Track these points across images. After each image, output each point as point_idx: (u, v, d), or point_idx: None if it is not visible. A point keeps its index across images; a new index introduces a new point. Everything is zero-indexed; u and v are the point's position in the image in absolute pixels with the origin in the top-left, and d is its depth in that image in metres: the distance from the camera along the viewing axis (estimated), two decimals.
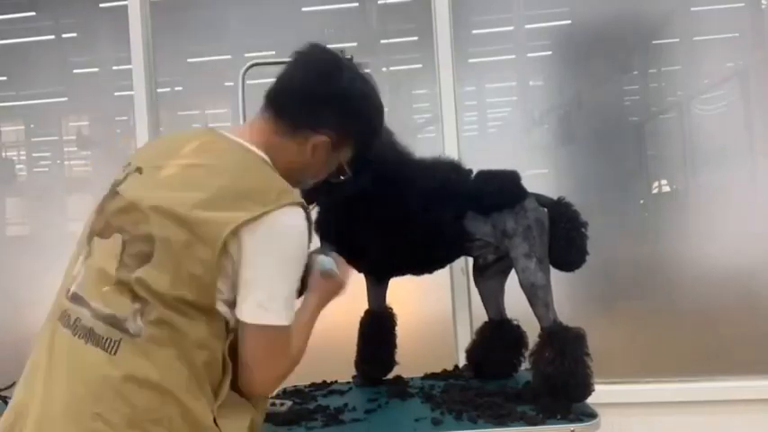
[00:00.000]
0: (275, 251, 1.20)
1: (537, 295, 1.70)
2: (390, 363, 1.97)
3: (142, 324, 1.17)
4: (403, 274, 1.90)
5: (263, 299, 1.20)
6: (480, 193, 1.79)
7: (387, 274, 1.92)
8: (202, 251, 1.16)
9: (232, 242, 1.17)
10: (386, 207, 1.73)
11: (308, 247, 1.27)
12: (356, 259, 1.77)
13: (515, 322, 1.95)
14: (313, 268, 1.45)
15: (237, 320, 1.22)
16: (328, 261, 1.47)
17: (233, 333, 1.23)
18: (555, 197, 1.82)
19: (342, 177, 1.44)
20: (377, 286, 1.94)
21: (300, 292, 1.50)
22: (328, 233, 1.78)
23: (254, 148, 1.30)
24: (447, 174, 1.83)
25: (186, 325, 1.18)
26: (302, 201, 1.26)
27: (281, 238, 1.21)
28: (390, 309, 1.97)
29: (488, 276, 1.92)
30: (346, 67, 1.38)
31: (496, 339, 1.94)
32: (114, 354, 1.17)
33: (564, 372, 1.58)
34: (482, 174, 1.84)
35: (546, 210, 1.77)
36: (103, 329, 1.18)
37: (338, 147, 1.36)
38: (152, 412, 1.15)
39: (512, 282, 1.86)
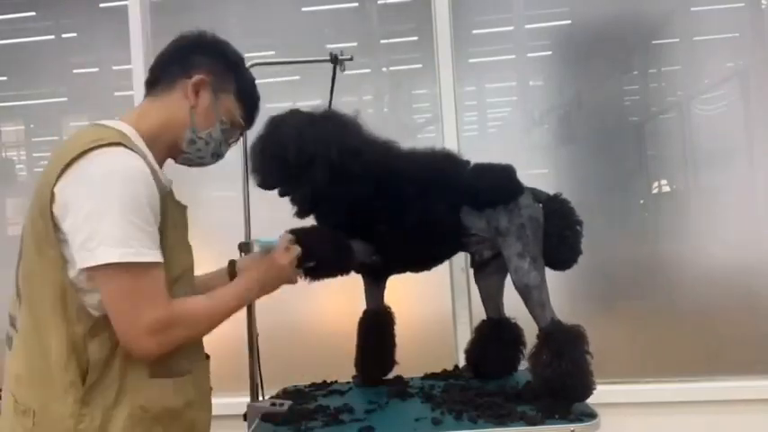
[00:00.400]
0: (90, 189, 1.15)
1: (531, 296, 1.67)
2: (390, 363, 1.96)
3: (19, 318, 1.26)
4: (400, 271, 1.88)
5: (83, 240, 1.14)
6: (475, 188, 1.75)
7: (384, 272, 1.90)
8: (41, 222, 1.19)
9: (55, 202, 1.17)
10: (379, 199, 1.68)
11: (151, 188, 1.20)
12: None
13: (513, 320, 1.93)
14: (252, 249, 1.43)
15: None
16: (267, 239, 1.43)
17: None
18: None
19: (240, 133, 1.46)
20: (374, 285, 1.93)
21: (231, 276, 1.56)
22: None
23: (110, 123, 1.29)
24: (442, 164, 1.79)
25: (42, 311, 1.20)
26: (127, 144, 1.22)
27: (96, 175, 1.16)
28: (389, 308, 1.96)
29: (487, 274, 1.90)
30: (201, 31, 1.42)
31: (494, 339, 1.92)
32: (10, 349, 1.29)
33: (562, 373, 1.56)
34: (477, 168, 1.80)
35: (541, 206, 1.74)
36: (8, 329, 1.30)
37: (219, 90, 1.38)
38: (21, 404, 1.22)
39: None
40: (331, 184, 1.63)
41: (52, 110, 2.92)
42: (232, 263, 1.67)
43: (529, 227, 1.69)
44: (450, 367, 2.10)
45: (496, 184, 1.75)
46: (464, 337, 2.41)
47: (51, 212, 1.17)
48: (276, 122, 1.71)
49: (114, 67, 2.81)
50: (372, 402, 1.74)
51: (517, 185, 1.76)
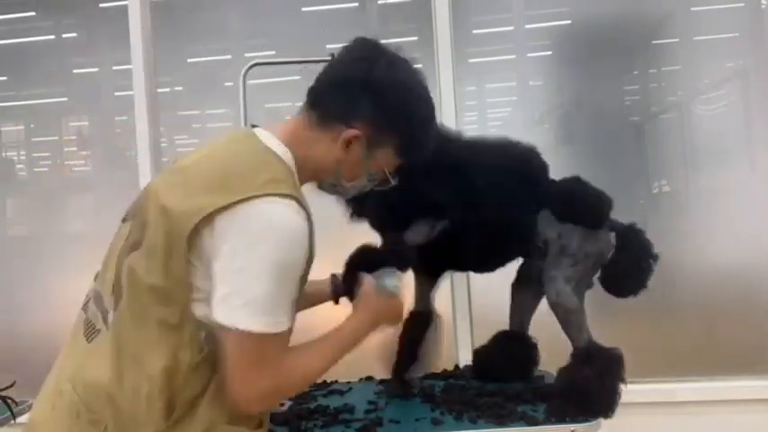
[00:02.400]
0: (249, 243, 1.06)
1: (570, 319, 1.61)
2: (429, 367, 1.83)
3: (112, 316, 1.16)
4: (461, 269, 1.77)
5: (227, 294, 1.07)
6: (565, 201, 1.64)
7: (442, 267, 1.77)
8: (178, 242, 1.08)
9: (206, 232, 1.08)
10: (446, 188, 1.55)
11: (306, 250, 1.14)
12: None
13: (534, 340, 1.84)
14: (376, 285, 1.34)
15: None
16: (392, 278, 1.34)
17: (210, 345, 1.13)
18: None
19: (387, 186, 1.29)
20: (426, 283, 1.78)
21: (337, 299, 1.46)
22: (377, 219, 1.62)
23: (268, 141, 1.19)
24: (521, 155, 1.67)
25: (150, 323, 1.11)
26: (298, 196, 1.13)
27: (259, 230, 1.07)
28: (434, 310, 1.83)
29: (528, 289, 1.79)
30: (388, 54, 1.22)
31: (508, 349, 1.83)
32: (89, 341, 1.19)
33: (597, 386, 1.53)
34: (574, 180, 1.70)
35: (613, 243, 1.65)
36: (91, 316, 1.20)
37: (375, 145, 1.22)
38: (91, 413, 1.12)
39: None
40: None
41: (52, 110, 2.92)
42: (335, 277, 1.60)
43: (593, 260, 1.63)
44: (450, 367, 2.10)
45: (592, 208, 1.64)
46: (464, 337, 2.41)
47: (194, 237, 1.09)
48: None
49: (114, 67, 2.81)
50: (372, 402, 1.74)
51: (606, 218, 1.65)
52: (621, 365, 1.59)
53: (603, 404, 1.54)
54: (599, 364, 1.57)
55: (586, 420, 1.49)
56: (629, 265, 1.63)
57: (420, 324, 1.78)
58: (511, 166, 1.63)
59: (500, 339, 1.88)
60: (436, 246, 1.62)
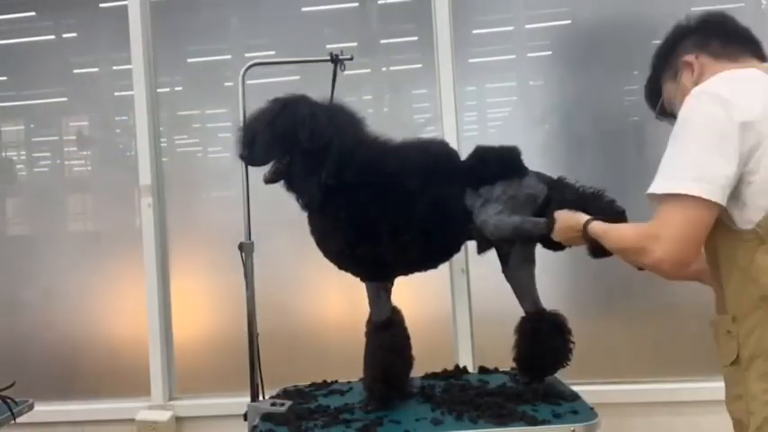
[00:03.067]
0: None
1: (516, 234, 1.68)
2: (407, 380, 1.81)
3: None
4: (410, 271, 1.80)
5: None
6: (478, 166, 1.72)
7: (391, 273, 1.80)
8: None
9: None
10: (381, 196, 1.64)
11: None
12: (355, 264, 1.74)
13: (554, 312, 1.83)
14: None
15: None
16: None
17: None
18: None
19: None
20: (383, 289, 1.81)
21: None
22: (321, 241, 1.72)
23: None
24: (438, 149, 1.77)
25: None
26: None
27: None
28: (400, 314, 1.83)
29: (514, 267, 1.82)
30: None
31: (537, 333, 1.81)
32: None
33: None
34: (481, 147, 1.79)
35: (544, 187, 1.72)
36: None
37: None
38: None
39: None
40: (341, 175, 1.59)
41: (52, 110, 2.92)
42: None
43: (522, 199, 1.68)
44: (450, 367, 2.10)
45: (502, 160, 1.73)
46: (464, 337, 2.41)
47: None
48: (285, 102, 1.67)
49: (114, 67, 2.81)
50: None
51: (523, 165, 1.75)
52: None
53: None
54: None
55: (585, 420, 1.49)
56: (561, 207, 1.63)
57: (391, 338, 1.78)
58: (431, 163, 1.71)
59: (524, 327, 1.84)
60: (385, 252, 1.67)
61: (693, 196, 1.15)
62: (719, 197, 1.15)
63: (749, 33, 1.37)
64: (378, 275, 1.78)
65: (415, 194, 1.66)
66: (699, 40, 1.38)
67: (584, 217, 1.49)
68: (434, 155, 1.75)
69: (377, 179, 1.65)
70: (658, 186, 1.20)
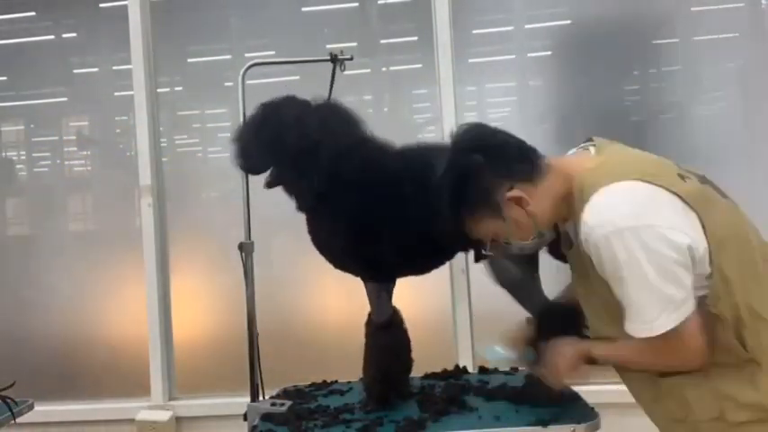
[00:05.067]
0: None
1: (516, 296, 1.65)
2: (406, 380, 1.80)
3: None
4: (405, 273, 1.76)
5: None
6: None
7: (391, 274, 1.77)
8: None
9: None
10: (378, 197, 1.60)
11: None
12: (355, 264, 1.71)
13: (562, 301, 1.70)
14: None
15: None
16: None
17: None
18: None
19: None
20: (383, 290, 1.77)
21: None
22: (320, 242, 1.69)
23: None
24: (430, 153, 1.64)
25: None
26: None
27: None
28: (398, 315, 1.80)
29: (520, 270, 1.71)
30: None
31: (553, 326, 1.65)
32: None
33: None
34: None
35: None
36: None
37: None
38: None
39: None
40: (334, 176, 1.56)
41: (52, 110, 2.92)
42: None
43: None
44: (450, 367, 2.10)
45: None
46: (464, 337, 2.41)
47: None
48: (272, 107, 1.64)
49: (114, 67, 2.81)
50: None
51: None
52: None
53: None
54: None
55: (585, 420, 1.49)
56: None
57: (391, 339, 1.77)
58: (426, 168, 1.57)
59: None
60: (384, 253, 1.63)
61: (685, 317, 1.19)
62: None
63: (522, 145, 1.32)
64: (377, 276, 1.77)
65: (410, 198, 1.60)
66: (502, 171, 1.28)
67: (581, 347, 1.41)
68: (429, 160, 1.62)
69: (374, 180, 1.61)
70: (647, 332, 1.20)
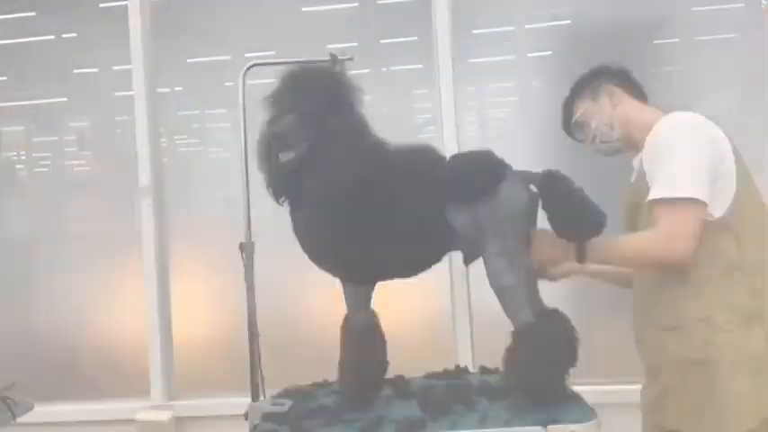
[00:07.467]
0: None
1: (505, 298, 1.58)
2: (381, 383, 1.79)
3: None
4: (389, 277, 1.71)
5: None
6: (454, 180, 1.59)
7: (372, 277, 1.73)
8: None
9: None
10: (364, 199, 1.55)
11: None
12: (335, 265, 1.67)
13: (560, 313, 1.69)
14: None
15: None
16: None
17: None
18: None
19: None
20: (359, 295, 1.75)
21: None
22: (306, 241, 1.65)
23: None
24: (420, 159, 1.65)
25: None
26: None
27: None
28: (376, 318, 1.77)
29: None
30: None
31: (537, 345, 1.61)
32: None
33: (534, 375, 1.53)
34: (454, 158, 1.68)
35: (525, 195, 1.60)
36: None
37: None
38: None
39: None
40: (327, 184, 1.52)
41: (52, 110, 2.92)
42: None
43: (508, 223, 1.56)
44: (450, 367, 2.10)
45: (474, 172, 1.60)
46: (464, 337, 2.42)
47: None
48: (269, 119, 1.59)
49: (114, 67, 2.81)
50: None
51: (496, 170, 1.60)
52: (559, 345, 1.57)
53: (551, 390, 1.56)
54: (533, 348, 1.54)
55: (585, 420, 1.50)
56: (559, 215, 1.54)
57: (367, 339, 1.75)
58: (413, 171, 1.61)
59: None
60: (365, 255, 1.61)
61: (699, 200, 1.43)
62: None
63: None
64: (358, 278, 1.73)
65: (396, 201, 1.58)
66: (618, 79, 1.76)
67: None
68: (418, 161, 1.64)
69: (363, 181, 1.55)
70: (668, 192, 1.43)
